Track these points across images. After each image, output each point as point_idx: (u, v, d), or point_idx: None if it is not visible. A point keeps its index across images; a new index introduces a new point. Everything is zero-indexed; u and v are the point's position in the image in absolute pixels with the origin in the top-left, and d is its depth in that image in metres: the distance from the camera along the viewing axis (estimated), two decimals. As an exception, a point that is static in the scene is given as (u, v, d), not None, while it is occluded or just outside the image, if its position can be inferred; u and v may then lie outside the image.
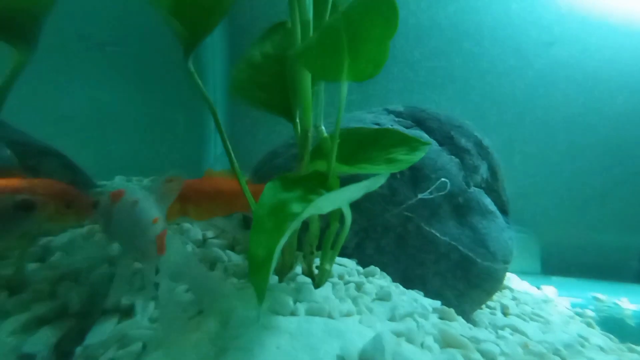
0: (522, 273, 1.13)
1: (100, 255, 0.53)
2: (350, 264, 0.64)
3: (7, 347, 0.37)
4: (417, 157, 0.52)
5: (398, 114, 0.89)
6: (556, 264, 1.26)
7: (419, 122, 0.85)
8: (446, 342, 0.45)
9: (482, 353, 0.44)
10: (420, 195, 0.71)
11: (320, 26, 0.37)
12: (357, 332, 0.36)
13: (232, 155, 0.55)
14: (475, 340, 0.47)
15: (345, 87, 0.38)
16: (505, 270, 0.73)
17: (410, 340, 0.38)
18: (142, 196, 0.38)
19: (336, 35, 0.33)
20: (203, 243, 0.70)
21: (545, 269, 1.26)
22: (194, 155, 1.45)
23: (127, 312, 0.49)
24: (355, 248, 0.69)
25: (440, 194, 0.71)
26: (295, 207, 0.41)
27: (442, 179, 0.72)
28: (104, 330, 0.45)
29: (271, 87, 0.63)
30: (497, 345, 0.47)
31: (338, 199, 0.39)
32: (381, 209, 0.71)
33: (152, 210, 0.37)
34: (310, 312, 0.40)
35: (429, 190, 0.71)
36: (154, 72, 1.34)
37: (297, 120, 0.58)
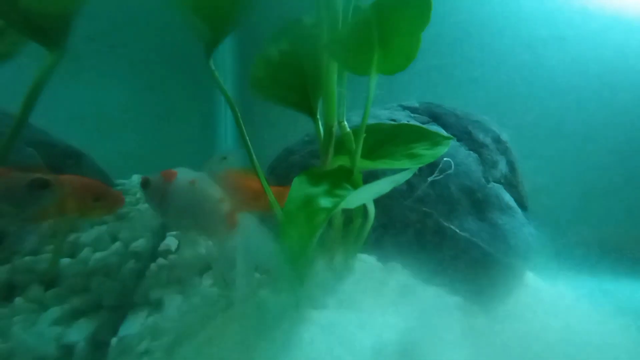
0: (535, 269, 1.11)
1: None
2: (370, 259, 0.64)
3: (49, 336, 0.38)
4: (439, 151, 0.52)
5: (413, 110, 0.88)
6: (570, 261, 1.24)
7: (436, 117, 0.84)
8: (473, 337, 0.44)
9: (513, 349, 0.44)
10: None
11: (351, 19, 0.37)
12: (387, 326, 0.37)
13: (253, 155, 0.56)
14: (500, 335, 0.47)
15: (374, 80, 0.38)
16: (526, 266, 0.72)
17: (439, 335, 0.39)
18: (198, 176, 0.38)
19: (367, 28, 0.33)
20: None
21: (559, 265, 1.25)
22: (206, 154, 1.47)
23: (156, 306, 0.50)
24: (373, 244, 0.69)
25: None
26: (323, 202, 0.41)
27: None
28: (136, 322, 0.46)
29: (291, 84, 0.64)
30: (527, 341, 0.47)
31: (368, 193, 0.39)
32: (399, 205, 0.71)
33: (215, 189, 0.37)
34: (340, 306, 0.40)
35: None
36: (164, 73, 1.36)
37: (319, 117, 0.59)
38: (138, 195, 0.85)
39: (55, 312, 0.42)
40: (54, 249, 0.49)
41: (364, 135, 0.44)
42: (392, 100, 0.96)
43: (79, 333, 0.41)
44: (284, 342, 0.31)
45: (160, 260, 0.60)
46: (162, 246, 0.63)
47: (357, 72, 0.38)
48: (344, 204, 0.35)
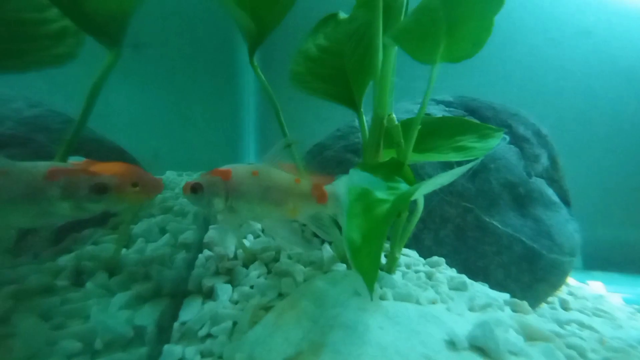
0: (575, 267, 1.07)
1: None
2: (413, 254, 0.64)
3: (121, 318, 0.41)
4: (491, 144, 0.51)
5: (448, 104, 0.86)
6: (597, 259, 1.19)
7: (472, 111, 0.82)
8: (529, 334, 0.43)
9: (572, 348, 0.42)
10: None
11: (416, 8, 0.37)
12: (450, 319, 0.36)
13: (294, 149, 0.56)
14: (558, 335, 0.46)
15: (436, 69, 0.38)
16: (572, 263, 0.70)
17: (504, 331, 0.38)
18: (257, 167, 0.38)
19: (433, 14, 0.32)
20: (263, 233, 0.72)
21: (587, 264, 1.20)
22: (233, 151, 1.50)
23: (208, 294, 0.52)
24: (413, 239, 0.68)
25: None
26: (379, 193, 0.41)
27: None
28: (193, 309, 0.48)
29: (332, 79, 0.64)
30: (583, 339, 0.45)
31: (431, 185, 0.39)
32: (439, 199, 0.70)
33: (281, 173, 0.38)
34: (399, 298, 0.40)
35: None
36: (193, 73, 1.38)
37: (362, 110, 0.59)
38: (177, 190, 0.88)
39: (122, 297, 0.45)
40: (117, 239, 0.52)
41: (419, 127, 0.44)
42: (421, 94, 0.94)
43: (146, 317, 0.43)
44: (354, 327, 0.32)
45: (206, 252, 0.62)
46: (206, 238, 0.65)
47: (422, 61, 0.38)
48: (416, 195, 0.35)
